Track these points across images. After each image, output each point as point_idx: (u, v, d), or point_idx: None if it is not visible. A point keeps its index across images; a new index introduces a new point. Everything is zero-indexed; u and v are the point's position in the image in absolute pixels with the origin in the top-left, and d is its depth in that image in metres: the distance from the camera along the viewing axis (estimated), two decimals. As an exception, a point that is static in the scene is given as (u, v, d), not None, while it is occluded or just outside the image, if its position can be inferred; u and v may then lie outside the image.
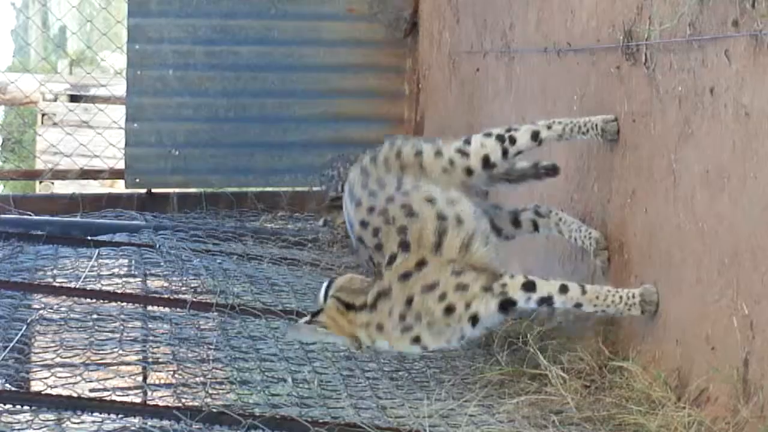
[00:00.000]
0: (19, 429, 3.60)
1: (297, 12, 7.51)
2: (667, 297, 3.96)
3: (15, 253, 5.89)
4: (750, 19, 3.43)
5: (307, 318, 4.17)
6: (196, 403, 3.83)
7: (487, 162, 4.33)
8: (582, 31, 4.70)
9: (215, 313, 4.87)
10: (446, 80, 6.78)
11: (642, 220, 4.14)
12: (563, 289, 4.06)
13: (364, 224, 4.23)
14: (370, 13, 7.58)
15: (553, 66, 4.98)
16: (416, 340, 4.07)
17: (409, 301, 4.05)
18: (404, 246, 4.11)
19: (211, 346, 4.50)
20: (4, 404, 3.67)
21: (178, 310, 4.95)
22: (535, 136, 4.34)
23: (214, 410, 3.64)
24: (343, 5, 7.58)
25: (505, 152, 4.34)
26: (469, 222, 4.16)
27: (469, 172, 4.33)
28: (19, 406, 3.66)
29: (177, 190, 7.45)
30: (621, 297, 4.03)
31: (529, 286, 4.05)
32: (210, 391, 4.02)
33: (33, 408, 3.66)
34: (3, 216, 6.76)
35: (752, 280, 3.42)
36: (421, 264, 4.08)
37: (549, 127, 4.36)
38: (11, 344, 4.30)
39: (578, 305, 4.06)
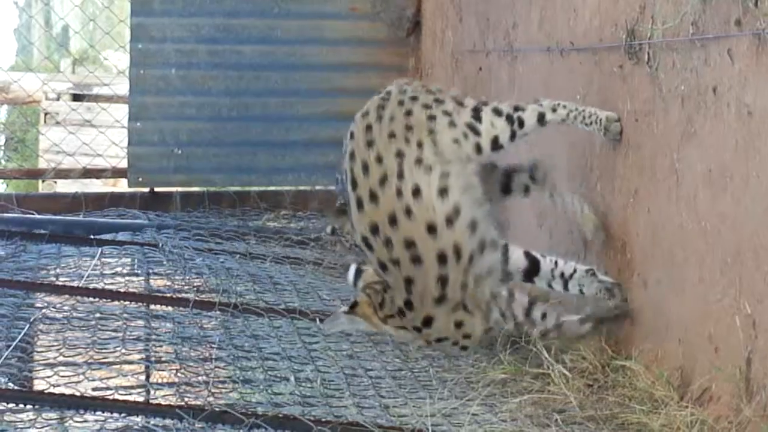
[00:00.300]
0: (22, 428, 3.61)
1: (300, 11, 7.51)
2: (669, 296, 3.96)
3: (18, 251, 5.89)
4: (753, 18, 3.42)
5: (345, 309, 4.28)
6: (198, 402, 3.83)
7: (496, 143, 4.33)
8: (585, 30, 4.69)
9: (218, 312, 4.88)
10: (449, 79, 6.77)
11: (644, 219, 4.14)
12: (545, 316, 4.32)
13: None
14: (372, 12, 7.58)
15: (556, 65, 4.98)
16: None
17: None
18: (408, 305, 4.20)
19: (213, 345, 4.50)
20: (7, 403, 3.67)
21: (181, 309, 4.96)
22: (542, 118, 4.37)
23: (217, 409, 3.64)
24: (346, 4, 7.58)
25: (513, 135, 4.35)
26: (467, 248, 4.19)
27: (478, 149, 4.30)
28: (22, 405, 3.66)
29: (180, 189, 7.45)
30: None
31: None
32: (213, 390, 4.03)
33: (36, 407, 3.66)
34: (6, 215, 6.77)
35: (755, 279, 3.42)
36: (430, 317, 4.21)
37: (554, 110, 4.39)
38: (14, 343, 4.30)
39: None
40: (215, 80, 7.40)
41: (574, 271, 4.38)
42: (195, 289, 5.39)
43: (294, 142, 7.47)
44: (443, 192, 4.14)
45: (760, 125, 3.39)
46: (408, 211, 4.12)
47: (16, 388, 4.02)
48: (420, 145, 4.21)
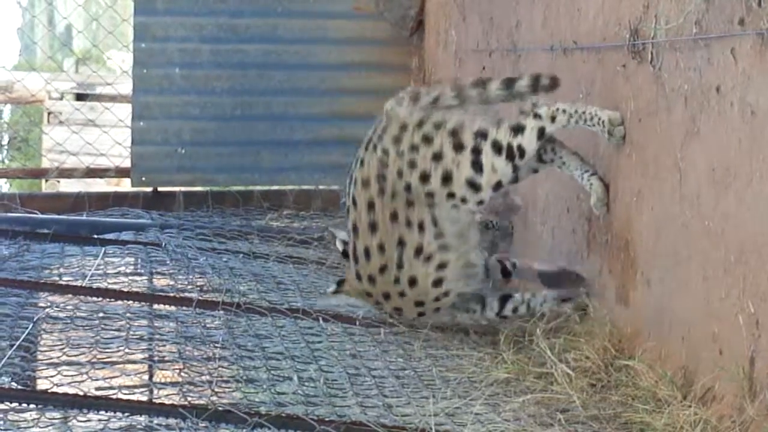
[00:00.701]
0: (25, 427, 3.60)
1: (303, 10, 7.52)
2: (673, 295, 3.96)
3: (21, 251, 5.89)
4: (756, 18, 3.42)
5: (333, 288, 4.83)
6: (202, 402, 3.83)
7: (498, 186, 4.49)
8: (588, 29, 4.69)
9: (221, 312, 4.88)
10: (453, 78, 6.77)
11: (648, 218, 4.14)
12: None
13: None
14: (376, 11, 7.58)
15: (559, 64, 4.98)
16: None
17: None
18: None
19: (217, 345, 4.50)
20: (11, 403, 3.67)
21: (184, 308, 4.96)
22: (542, 133, 4.38)
23: (220, 408, 3.64)
24: (350, 3, 7.59)
25: (515, 169, 4.45)
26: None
27: (480, 202, 4.53)
28: (25, 405, 3.66)
29: (183, 188, 7.46)
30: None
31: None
32: (216, 390, 4.02)
33: (39, 406, 3.66)
34: (9, 214, 6.78)
35: (759, 278, 3.42)
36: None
37: (553, 119, 4.39)
38: (17, 342, 4.29)
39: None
40: (219, 80, 7.41)
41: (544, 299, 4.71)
42: (198, 288, 5.39)
43: (297, 142, 7.47)
44: (438, 283, 4.60)
45: (763, 124, 3.39)
46: (402, 294, 4.64)
47: (19, 387, 4.02)
48: (421, 227, 4.51)
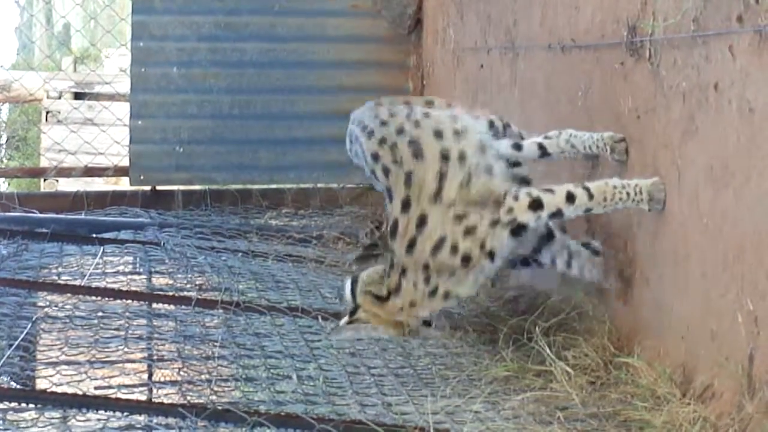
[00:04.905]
0: (24, 427, 3.61)
1: (301, 8, 7.52)
2: (671, 293, 3.96)
3: (20, 251, 5.89)
4: (754, 15, 3.42)
5: (347, 319, 4.26)
6: (201, 401, 3.83)
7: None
8: (586, 27, 4.69)
9: (220, 311, 4.88)
10: (450, 77, 6.78)
11: (647, 216, 4.14)
12: (570, 198, 4.10)
13: (375, 157, 4.34)
14: (374, 9, 7.59)
15: (558, 62, 4.98)
16: (446, 295, 4.17)
17: (426, 267, 4.13)
18: (405, 205, 4.15)
19: (216, 344, 4.50)
20: (10, 402, 3.68)
21: (183, 307, 4.96)
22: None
23: (219, 407, 3.64)
24: (348, 1, 7.59)
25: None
26: (472, 157, 4.21)
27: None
28: (24, 405, 3.67)
29: (181, 187, 7.45)
30: (628, 193, 4.06)
31: (535, 205, 4.11)
32: (215, 389, 4.03)
33: (38, 406, 3.67)
34: (8, 214, 6.77)
35: (757, 275, 3.42)
36: (422, 222, 4.13)
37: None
38: (16, 342, 4.30)
39: (588, 210, 4.12)
40: (216, 78, 7.41)
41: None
42: (197, 287, 5.39)
43: (295, 140, 7.47)
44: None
45: (761, 122, 3.39)
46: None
47: (18, 387, 4.03)
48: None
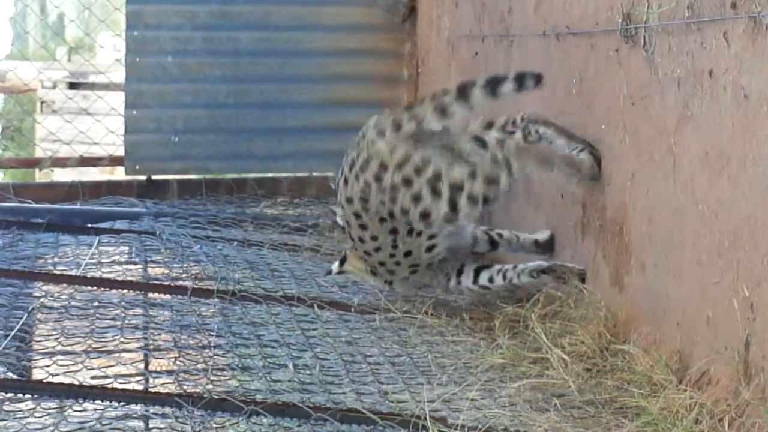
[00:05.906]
0: (21, 417, 3.60)
1: (295, -3, 7.50)
2: (667, 279, 3.96)
3: (15, 241, 5.89)
4: (748, 1, 3.42)
5: (337, 266, 5.02)
6: (197, 390, 3.83)
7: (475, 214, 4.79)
8: (581, 14, 4.69)
9: (216, 300, 4.88)
10: (445, 64, 6.77)
11: (642, 202, 4.14)
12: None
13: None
14: (368, -3, 7.57)
15: (552, 49, 4.98)
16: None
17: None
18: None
19: (212, 333, 4.50)
20: (6, 393, 3.68)
21: (179, 296, 4.96)
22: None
23: (216, 397, 3.64)
24: (342, -10, 7.57)
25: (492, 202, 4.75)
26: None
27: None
28: (21, 395, 3.67)
29: (177, 176, 7.43)
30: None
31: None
32: (211, 378, 4.02)
33: (35, 396, 3.66)
34: (3, 204, 6.76)
35: (752, 261, 3.42)
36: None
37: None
38: (12, 333, 4.30)
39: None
40: (211, 67, 7.39)
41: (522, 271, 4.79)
42: (193, 276, 5.39)
43: (291, 129, 7.45)
44: (430, 248, 4.84)
45: (756, 108, 3.39)
46: (397, 263, 4.87)
47: (14, 377, 4.02)
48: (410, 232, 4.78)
